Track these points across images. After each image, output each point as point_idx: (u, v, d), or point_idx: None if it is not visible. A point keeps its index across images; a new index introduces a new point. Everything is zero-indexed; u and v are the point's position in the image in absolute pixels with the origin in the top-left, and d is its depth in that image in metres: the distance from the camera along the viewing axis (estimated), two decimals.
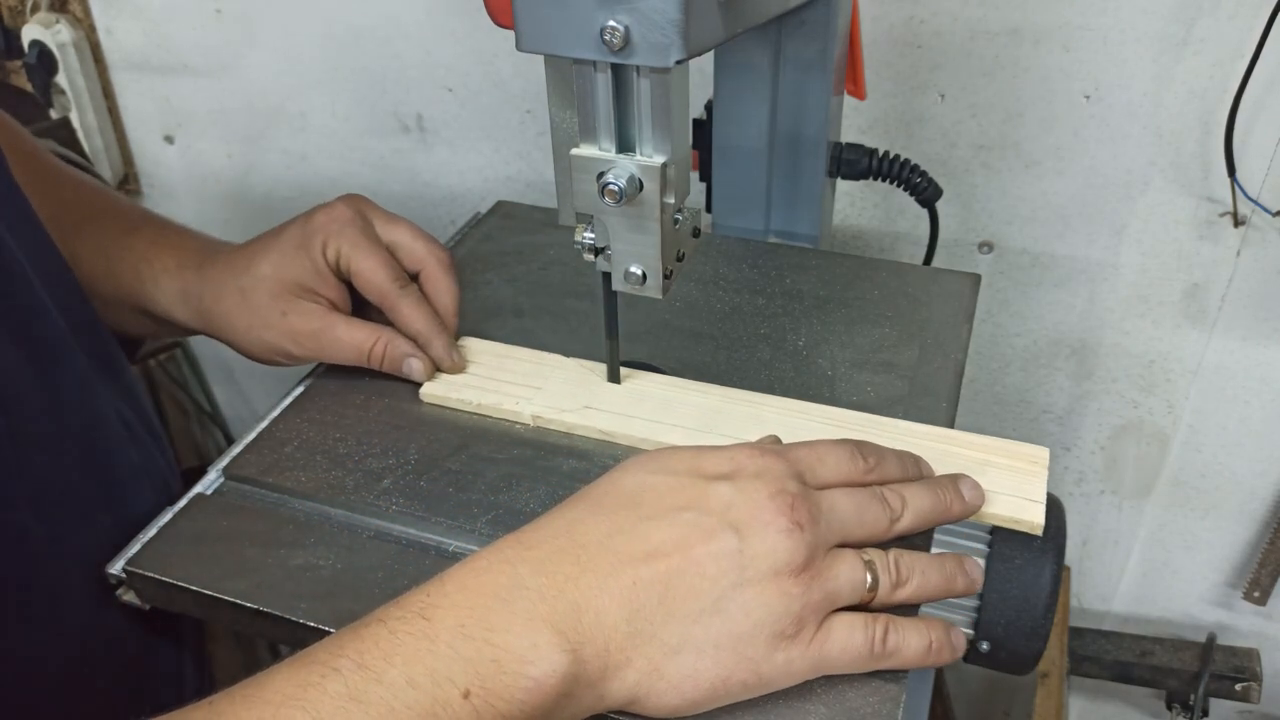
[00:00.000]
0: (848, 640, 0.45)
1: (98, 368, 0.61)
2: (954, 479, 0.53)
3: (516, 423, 0.62)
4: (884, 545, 0.49)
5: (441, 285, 0.66)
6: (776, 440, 0.54)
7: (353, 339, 0.64)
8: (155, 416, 0.67)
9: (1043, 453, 0.58)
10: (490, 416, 0.63)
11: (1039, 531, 0.54)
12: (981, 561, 0.51)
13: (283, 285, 0.63)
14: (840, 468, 0.50)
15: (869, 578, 0.46)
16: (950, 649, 0.48)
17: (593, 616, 0.42)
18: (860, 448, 0.51)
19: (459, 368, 0.65)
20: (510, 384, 0.64)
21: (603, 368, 0.64)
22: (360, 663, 0.39)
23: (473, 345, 0.68)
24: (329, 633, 0.50)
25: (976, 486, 0.54)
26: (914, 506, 0.50)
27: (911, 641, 0.46)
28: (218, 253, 0.67)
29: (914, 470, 0.54)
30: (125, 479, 0.60)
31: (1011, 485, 0.55)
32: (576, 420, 0.61)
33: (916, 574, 0.48)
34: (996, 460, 0.57)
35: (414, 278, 0.66)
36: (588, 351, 0.67)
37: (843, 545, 0.47)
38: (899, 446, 0.54)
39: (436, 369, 0.65)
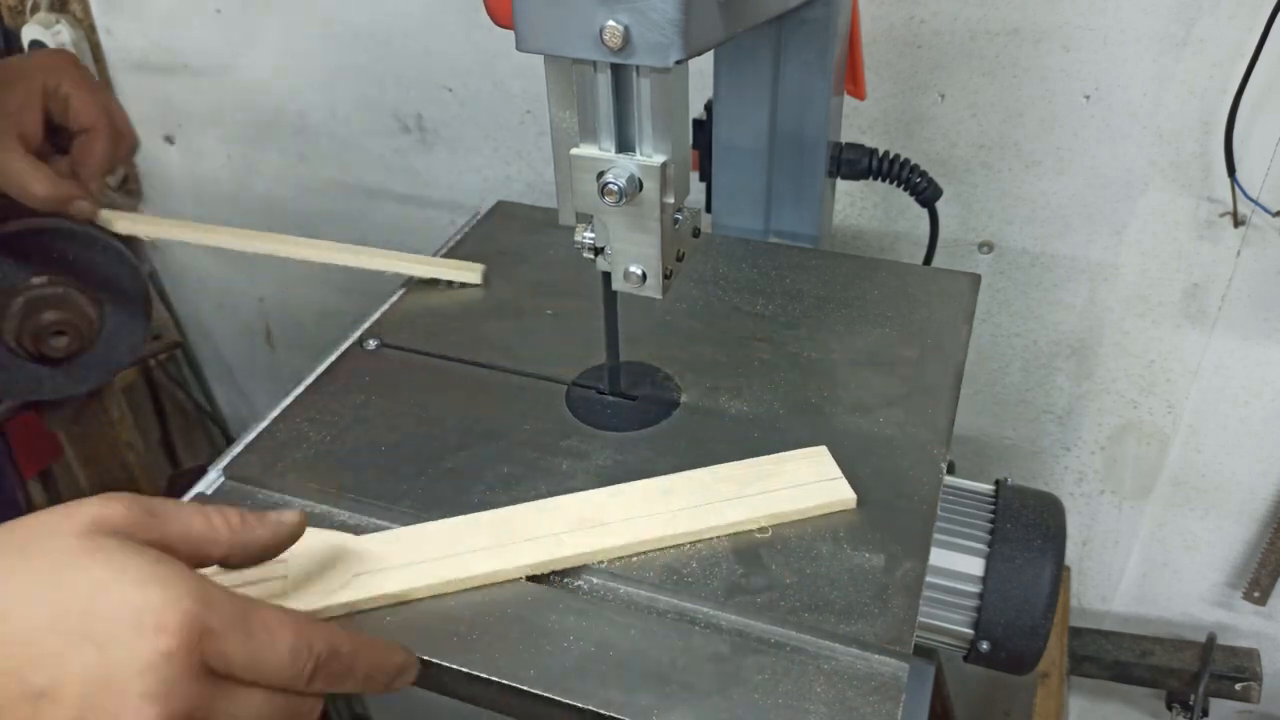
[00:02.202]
0: None
1: None
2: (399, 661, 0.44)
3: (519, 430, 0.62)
4: None
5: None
6: None
7: (27, 171, 0.70)
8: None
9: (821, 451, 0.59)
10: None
11: (853, 505, 0.56)
12: None
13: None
14: (280, 674, 0.39)
15: None
16: None
17: None
18: (312, 653, 0.40)
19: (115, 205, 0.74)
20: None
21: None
22: None
23: None
24: None
25: (407, 661, 0.45)
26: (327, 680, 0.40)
27: None
28: None
29: (381, 675, 0.44)
30: None
31: (811, 474, 0.58)
32: (356, 596, 0.51)
33: None
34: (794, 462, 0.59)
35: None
36: (588, 351, 0.67)
37: None
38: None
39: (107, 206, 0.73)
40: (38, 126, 0.72)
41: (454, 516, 0.55)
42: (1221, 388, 1.02)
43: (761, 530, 0.55)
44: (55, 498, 1.25)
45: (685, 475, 0.57)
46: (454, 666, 0.48)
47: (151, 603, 0.35)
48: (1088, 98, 0.92)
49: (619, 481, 0.58)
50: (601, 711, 0.46)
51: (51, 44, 1.27)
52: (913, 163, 0.85)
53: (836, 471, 0.58)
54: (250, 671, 0.38)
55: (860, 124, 1.00)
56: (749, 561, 0.53)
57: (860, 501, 0.56)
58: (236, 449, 0.62)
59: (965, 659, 0.58)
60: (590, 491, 0.57)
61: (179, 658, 0.35)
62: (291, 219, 1.37)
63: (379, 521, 0.57)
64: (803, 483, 0.57)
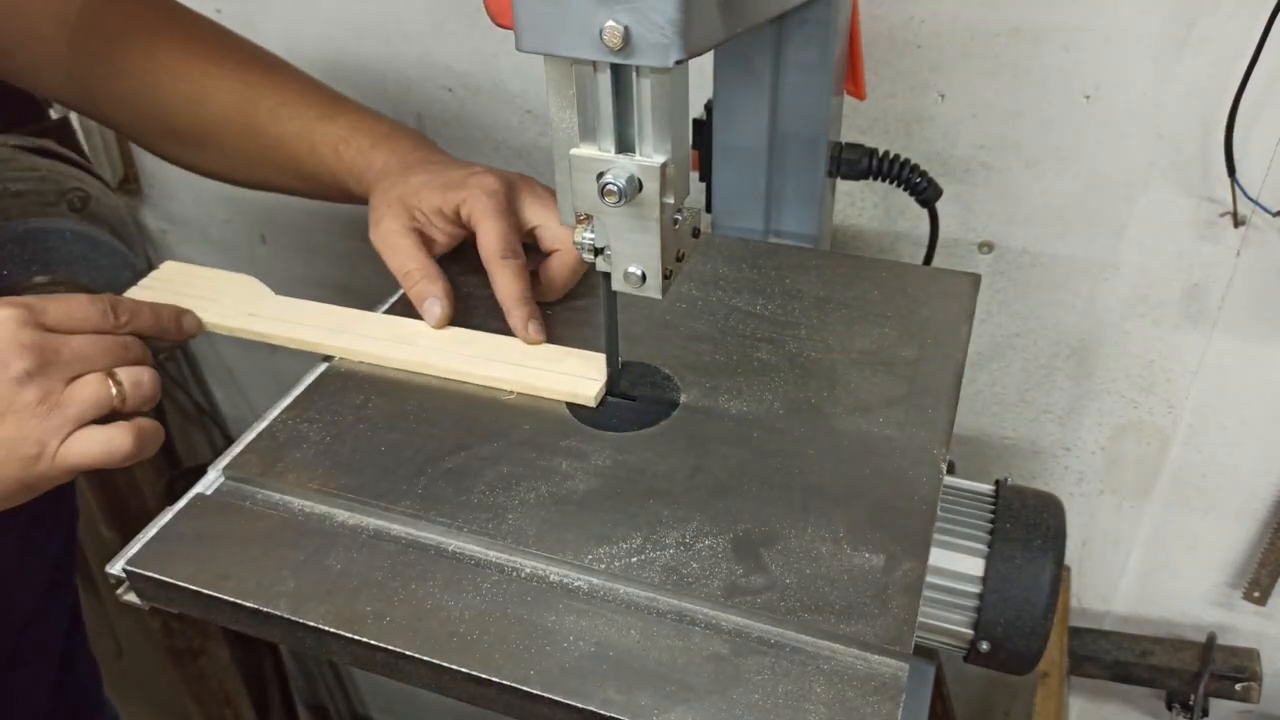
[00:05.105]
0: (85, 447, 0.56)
1: None
2: (177, 311, 0.68)
3: (532, 417, 0.62)
4: None
5: (556, 261, 0.71)
6: None
7: (404, 252, 0.70)
8: None
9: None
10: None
11: (593, 402, 0.63)
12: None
13: (413, 198, 0.71)
14: (90, 321, 0.59)
15: (114, 389, 0.57)
16: (136, 439, 0.58)
17: None
18: (113, 305, 0.61)
19: (533, 340, 0.68)
20: (200, 298, 0.72)
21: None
22: None
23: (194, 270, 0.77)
24: (328, 633, 0.50)
25: (188, 314, 0.68)
26: (135, 324, 0.62)
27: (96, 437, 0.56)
28: (400, 148, 0.77)
29: (172, 323, 0.66)
30: None
31: (579, 368, 0.65)
32: (238, 325, 0.70)
33: (144, 376, 0.60)
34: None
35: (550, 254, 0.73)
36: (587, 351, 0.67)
37: (90, 372, 0.57)
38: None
39: (521, 337, 0.69)
40: (443, 236, 0.72)
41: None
42: (1221, 388, 1.02)
43: (508, 394, 0.65)
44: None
45: (493, 336, 0.68)
46: (454, 666, 0.48)
47: None
48: (1088, 98, 0.92)
49: (620, 482, 0.58)
50: (601, 712, 0.46)
51: None
52: (913, 163, 0.85)
53: (600, 376, 0.64)
54: (68, 322, 0.58)
55: (860, 124, 1.00)
56: (749, 561, 0.53)
57: (859, 501, 0.56)
58: (236, 449, 0.62)
59: (965, 659, 0.59)
60: (417, 323, 0.70)
61: (14, 318, 0.55)
62: (290, 219, 1.37)
63: (379, 522, 0.57)
64: (568, 372, 0.65)
